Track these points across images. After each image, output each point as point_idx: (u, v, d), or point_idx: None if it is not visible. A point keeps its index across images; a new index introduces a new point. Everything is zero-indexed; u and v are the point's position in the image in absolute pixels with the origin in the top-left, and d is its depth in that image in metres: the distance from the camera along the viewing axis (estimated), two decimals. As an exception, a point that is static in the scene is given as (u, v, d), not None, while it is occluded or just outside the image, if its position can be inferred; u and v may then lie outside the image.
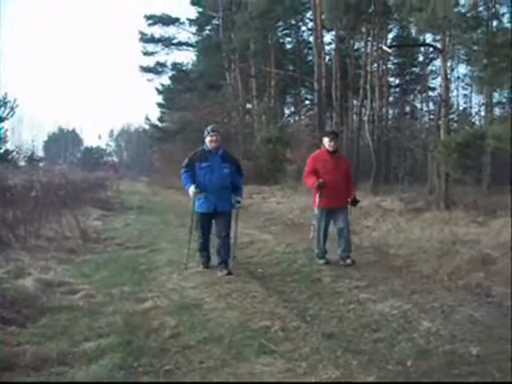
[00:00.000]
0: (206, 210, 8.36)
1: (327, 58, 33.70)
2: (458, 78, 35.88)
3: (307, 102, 42.42)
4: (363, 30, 27.82)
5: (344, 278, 7.73)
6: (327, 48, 34.69)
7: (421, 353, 4.71)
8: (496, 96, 26.54)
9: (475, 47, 14.62)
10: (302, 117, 41.89)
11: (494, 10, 17.84)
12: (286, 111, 43.53)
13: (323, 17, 27.73)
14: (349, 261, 8.72)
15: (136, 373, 4.30)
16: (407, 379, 4.18)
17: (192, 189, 8.20)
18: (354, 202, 9.09)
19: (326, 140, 9.13)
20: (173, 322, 5.57)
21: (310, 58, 37.91)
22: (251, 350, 4.74)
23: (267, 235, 12.42)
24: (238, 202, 8.54)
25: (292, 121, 41.85)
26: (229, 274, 8.03)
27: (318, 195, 8.88)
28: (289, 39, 41.25)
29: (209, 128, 8.67)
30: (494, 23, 18.03)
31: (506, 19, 17.23)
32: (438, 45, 21.37)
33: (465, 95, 38.85)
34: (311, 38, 34.36)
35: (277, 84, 35.30)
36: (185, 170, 8.49)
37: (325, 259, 8.95)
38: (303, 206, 17.33)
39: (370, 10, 25.37)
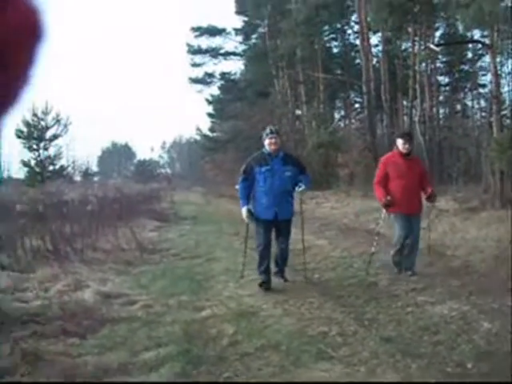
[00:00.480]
0: (267, 217, 7.65)
1: (375, 60, 33.47)
2: (509, 73, 35.18)
3: (357, 106, 42.21)
4: (409, 29, 27.53)
5: (401, 281, 7.66)
6: (374, 50, 34.46)
7: (481, 354, 4.63)
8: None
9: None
10: (352, 120, 41.68)
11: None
12: (336, 115, 43.42)
13: (368, 19, 27.61)
14: (409, 272, 7.95)
15: (195, 382, 4.32)
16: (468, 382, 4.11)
17: (245, 212, 7.72)
18: (432, 198, 8.41)
19: (400, 142, 8.40)
20: (231, 329, 5.59)
21: (357, 61, 37.68)
22: (309, 356, 4.73)
23: (322, 240, 12.39)
24: (300, 187, 7.70)
25: (342, 125, 41.69)
26: (285, 280, 7.89)
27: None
28: (335, 43, 41.20)
29: (267, 130, 7.97)
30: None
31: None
32: (487, 41, 21.11)
33: (516, 90, 38.06)
34: (358, 41, 34.32)
35: (325, 89, 35.28)
36: (242, 177, 7.85)
37: (400, 268, 8.24)
38: (357, 211, 17.30)
39: (416, 10, 25.14)
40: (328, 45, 39.94)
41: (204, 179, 62.13)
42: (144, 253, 11.29)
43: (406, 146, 8.29)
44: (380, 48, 33.04)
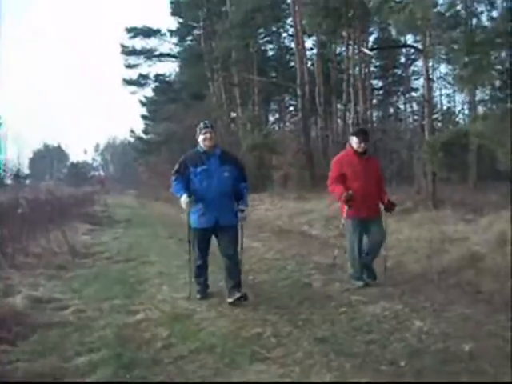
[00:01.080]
0: (205, 225, 6.93)
1: (309, 63, 33.80)
2: (441, 77, 36.02)
3: (291, 108, 42.42)
4: (344, 34, 27.83)
5: (334, 282, 7.73)
6: (309, 53, 34.77)
7: (413, 352, 4.73)
8: (479, 94, 26.68)
9: (455, 46, 14.72)
10: (287, 123, 41.93)
11: (472, 8, 17.98)
12: (271, 118, 43.56)
13: (304, 22, 27.83)
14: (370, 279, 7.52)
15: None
16: (401, 379, 4.18)
17: (184, 198, 6.81)
18: (390, 207, 7.61)
19: (354, 140, 7.57)
20: (164, 333, 5.56)
21: (292, 64, 37.92)
22: (244, 358, 4.73)
23: (256, 243, 12.41)
24: (242, 211, 7.06)
25: (277, 127, 41.92)
26: (244, 297, 6.76)
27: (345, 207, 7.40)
28: (270, 46, 41.32)
29: (201, 125, 7.15)
30: (474, 21, 18.19)
31: (484, 17, 17.38)
32: (419, 45, 21.54)
33: (448, 94, 38.91)
34: (293, 44, 34.50)
35: (260, 91, 35.33)
36: (175, 177, 7.05)
37: (362, 280, 7.45)
38: (291, 213, 17.42)
39: (350, 14, 25.45)
40: (263, 48, 40.03)
41: (138, 182, 61.65)
42: (76, 257, 11.12)
43: (362, 144, 7.52)
44: (315, 51, 33.36)
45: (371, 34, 34.34)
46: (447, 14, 16.10)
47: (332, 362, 4.55)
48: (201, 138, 7.06)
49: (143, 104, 47.54)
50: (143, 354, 4.99)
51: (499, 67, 15.17)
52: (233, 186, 7.03)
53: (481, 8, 17.46)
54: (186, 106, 38.62)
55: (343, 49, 31.02)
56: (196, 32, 41.59)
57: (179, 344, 5.20)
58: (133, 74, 45.07)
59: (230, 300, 6.68)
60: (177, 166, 7.10)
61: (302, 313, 6.22)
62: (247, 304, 6.65)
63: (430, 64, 25.38)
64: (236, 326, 5.74)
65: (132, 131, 55.74)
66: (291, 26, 34.29)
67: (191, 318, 6.17)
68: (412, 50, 32.12)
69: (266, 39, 40.04)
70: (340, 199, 7.39)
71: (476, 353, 4.64)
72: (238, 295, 6.65)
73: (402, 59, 39.33)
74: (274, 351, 4.89)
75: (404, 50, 36.02)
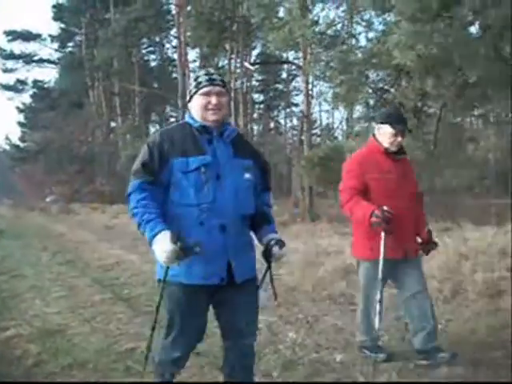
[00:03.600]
0: (205, 280, 3.25)
1: (191, 75, 33.92)
2: (320, 94, 37.11)
3: (172, 120, 42.48)
4: (227, 47, 28.22)
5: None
6: (191, 65, 34.97)
7: (287, 363, 4.84)
8: (357, 112, 27.64)
9: (332, 64, 15.24)
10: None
11: (351, 29, 18.69)
12: (152, 129, 43.45)
13: (187, 34, 27.94)
14: (443, 354, 4.54)
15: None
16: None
17: (167, 242, 2.94)
18: (429, 245, 4.83)
19: (386, 130, 4.69)
20: (36, 349, 5.39)
21: (174, 75, 38.00)
22: (117, 373, 4.68)
23: (134, 255, 12.23)
24: (278, 244, 3.37)
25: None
26: None
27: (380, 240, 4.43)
28: (153, 57, 41.36)
29: (202, 75, 3.28)
30: (353, 42, 18.91)
31: (362, 38, 18.10)
32: (300, 62, 22.11)
33: (327, 111, 40.19)
34: (175, 56, 34.59)
35: (141, 102, 35.12)
36: (142, 180, 3.19)
37: (385, 353, 4.81)
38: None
39: (234, 28, 25.82)
40: (146, 58, 40.00)
41: (13, 191, 59.58)
42: None
43: (399, 138, 4.68)
44: (197, 64, 33.57)
45: (254, 48, 34.98)
46: (329, 32, 16.66)
47: (207, 375, 4.60)
48: (200, 101, 3.28)
49: (20, 110, 46.24)
50: (14, 371, 4.84)
51: (373, 86, 15.80)
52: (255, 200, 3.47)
53: (359, 29, 18.17)
54: (65, 113, 37.89)
55: (226, 62, 31.38)
56: (78, 38, 40.98)
57: (51, 360, 5.06)
58: (10, 79, 43.88)
59: None
60: (145, 156, 3.25)
61: (179, 326, 6.21)
62: (122, 318, 6.58)
63: (310, 80, 26.12)
64: (110, 340, 5.65)
65: (7, 138, 54.23)
66: (175, 38, 34.40)
67: (64, 333, 6.02)
68: (293, 66, 32.90)
69: (148, 49, 40.08)
70: (367, 221, 4.40)
71: (347, 362, 4.81)
72: None
73: (284, 75, 40.31)
74: (148, 366, 4.86)
75: (285, 66, 36.86)
